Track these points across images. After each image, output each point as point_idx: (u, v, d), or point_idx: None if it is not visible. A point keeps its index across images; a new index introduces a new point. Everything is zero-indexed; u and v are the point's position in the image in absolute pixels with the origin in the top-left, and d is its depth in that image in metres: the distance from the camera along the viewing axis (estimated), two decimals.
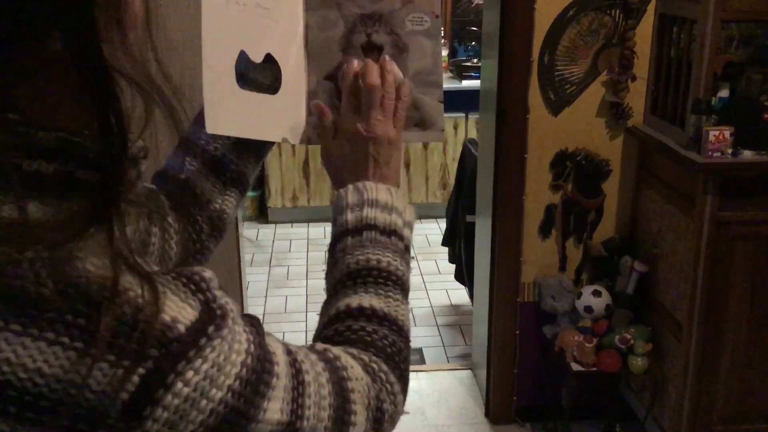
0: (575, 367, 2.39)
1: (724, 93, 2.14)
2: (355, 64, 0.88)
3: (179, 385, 0.49)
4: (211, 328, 0.51)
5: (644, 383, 2.48)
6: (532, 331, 2.60)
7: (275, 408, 0.57)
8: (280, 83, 0.90)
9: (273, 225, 4.61)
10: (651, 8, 2.32)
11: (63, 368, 0.46)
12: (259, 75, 0.89)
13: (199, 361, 0.50)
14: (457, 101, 4.34)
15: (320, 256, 4.21)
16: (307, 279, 3.95)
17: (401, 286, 0.77)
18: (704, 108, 2.10)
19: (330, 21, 0.93)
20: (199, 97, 0.84)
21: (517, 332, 2.62)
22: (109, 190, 0.50)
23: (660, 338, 2.37)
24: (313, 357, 0.65)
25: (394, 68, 0.89)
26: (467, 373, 3.05)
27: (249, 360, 0.54)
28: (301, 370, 0.61)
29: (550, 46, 2.34)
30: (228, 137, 0.89)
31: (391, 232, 0.79)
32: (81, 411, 0.46)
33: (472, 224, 2.91)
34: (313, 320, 3.51)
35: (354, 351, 0.69)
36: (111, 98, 0.50)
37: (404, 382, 0.72)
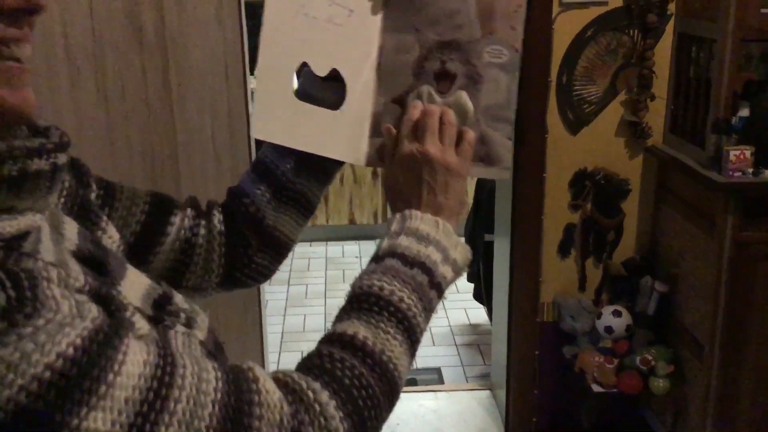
0: (596, 388, 2.37)
1: (744, 112, 2.12)
2: (420, 106, 0.85)
3: None
4: (17, 316, 0.47)
5: (666, 405, 2.45)
6: (551, 352, 2.58)
7: (98, 420, 0.49)
8: (342, 100, 0.89)
9: None
10: (669, 28, 2.32)
11: None
12: (320, 90, 0.88)
13: None
14: None
15: (338, 275, 4.22)
16: (325, 298, 3.95)
17: (399, 320, 0.70)
18: (724, 127, 2.08)
19: (406, 45, 0.91)
20: (225, 117, 0.84)
21: (537, 352, 2.60)
22: None
23: (681, 359, 2.34)
24: (209, 365, 0.58)
25: (463, 97, 0.88)
26: (486, 393, 3.03)
27: (63, 364, 0.48)
28: (174, 373, 0.54)
29: (568, 65, 2.34)
30: (295, 161, 0.88)
31: (416, 263, 0.74)
32: None
33: (491, 243, 2.90)
34: None
35: (294, 376, 0.63)
36: None
37: (355, 418, 0.63)
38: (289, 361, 3.31)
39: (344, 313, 0.71)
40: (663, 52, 2.34)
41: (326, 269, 4.33)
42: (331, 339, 0.68)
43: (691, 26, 2.25)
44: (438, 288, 0.75)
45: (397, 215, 0.79)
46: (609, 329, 2.41)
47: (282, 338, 3.54)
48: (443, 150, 0.81)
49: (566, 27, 2.31)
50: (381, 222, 4.56)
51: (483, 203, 3.11)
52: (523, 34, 0.91)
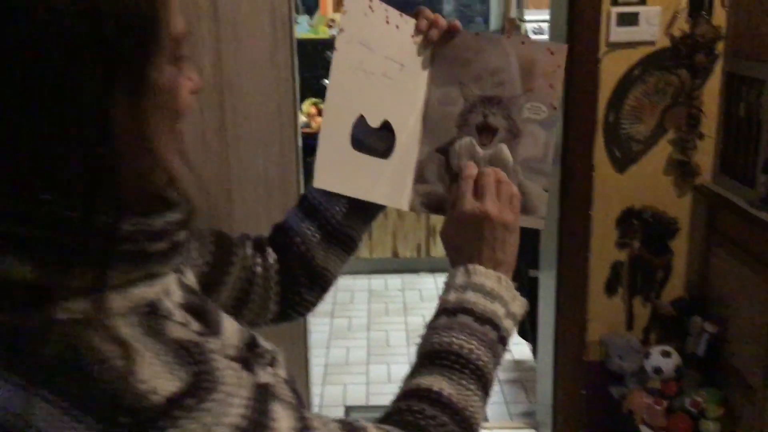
0: (645, 430, 2.33)
1: None
2: (474, 166, 0.90)
3: None
4: (190, 401, 0.52)
5: None
6: (598, 392, 2.55)
7: None
8: (392, 149, 0.94)
9: None
10: (718, 67, 2.32)
11: (50, 425, 0.50)
12: (373, 139, 0.92)
13: (172, 430, 0.51)
14: None
15: (382, 308, 4.23)
16: (368, 331, 3.97)
17: (478, 377, 0.75)
18: None
19: (451, 98, 0.96)
20: (276, 155, 0.88)
21: (584, 392, 2.57)
22: (98, 261, 0.53)
23: (733, 402, 2.30)
24: (333, 426, 0.64)
25: (503, 150, 0.93)
26: None
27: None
28: None
29: (615, 105, 2.35)
30: (345, 205, 0.93)
31: (486, 320, 0.78)
32: None
33: (535, 279, 2.90)
34: (375, 372, 3.53)
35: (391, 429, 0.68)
36: (111, 180, 0.53)
37: None
38: (332, 394, 3.33)
39: (425, 368, 0.75)
40: (711, 91, 2.34)
41: (369, 302, 4.35)
42: (418, 394, 0.73)
43: (740, 66, 2.25)
44: (503, 341, 0.80)
45: (461, 268, 0.83)
46: (658, 370, 2.38)
47: (325, 371, 3.55)
48: (501, 209, 0.85)
49: (613, 66, 2.32)
50: (424, 255, 4.57)
51: (528, 239, 3.10)
52: (563, 90, 0.98)
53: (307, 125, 4.48)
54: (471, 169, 0.88)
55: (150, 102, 0.55)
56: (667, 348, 2.39)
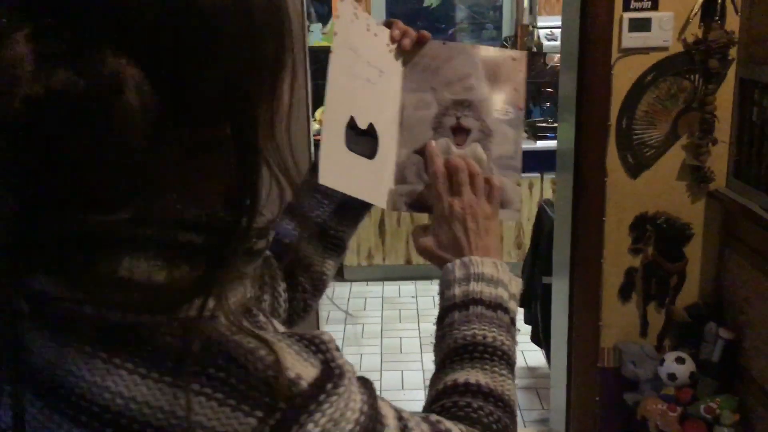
0: None
1: None
2: (433, 144, 0.95)
3: None
4: (329, 385, 0.55)
5: None
6: (612, 398, 2.54)
7: None
8: (375, 151, 0.98)
9: (349, 283, 4.68)
10: (731, 73, 2.31)
11: (205, 416, 0.51)
12: (360, 141, 0.96)
13: (318, 414, 0.54)
14: (533, 161, 4.35)
15: (395, 314, 4.23)
16: (381, 338, 3.97)
17: (507, 361, 0.80)
18: None
19: (424, 102, 1.01)
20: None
21: (598, 398, 2.56)
22: (223, 260, 0.55)
23: (748, 408, 2.28)
24: (425, 426, 0.67)
25: (477, 149, 0.98)
26: None
27: (362, 419, 0.57)
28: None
29: (628, 110, 2.35)
30: (329, 205, 0.97)
31: (496, 306, 0.82)
32: None
33: (549, 285, 2.89)
34: (388, 379, 3.53)
35: (462, 427, 0.71)
36: (255, 182, 0.56)
37: None
38: None
39: (456, 364, 0.78)
40: (725, 96, 2.33)
41: (383, 309, 4.35)
42: (459, 390, 0.76)
43: (754, 71, 2.24)
44: (513, 322, 0.85)
45: (457, 262, 0.86)
46: (672, 376, 2.36)
47: None
48: (479, 201, 0.90)
49: (626, 72, 2.32)
50: None
51: (541, 246, 3.10)
52: (526, 95, 1.04)
53: (320, 132, 4.50)
54: (439, 166, 0.92)
55: (279, 111, 0.60)
56: (682, 354, 2.38)
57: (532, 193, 4.49)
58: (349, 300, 4.48)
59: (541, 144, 4.41)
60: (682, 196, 2.42)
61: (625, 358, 2.48)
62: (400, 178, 1.00)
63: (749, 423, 2.28)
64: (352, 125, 0.95)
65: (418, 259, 4.58)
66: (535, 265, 3.19)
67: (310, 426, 0.53)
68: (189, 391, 0.51)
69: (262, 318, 0.60)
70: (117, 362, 0.52)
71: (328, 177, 0.90)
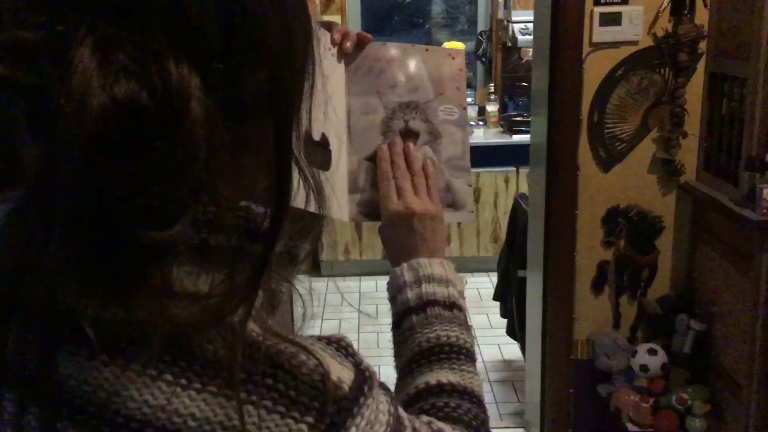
0: (631, 427, 2.34)
1: None
2: (384, 149, 0.95)
3: None
4: (366, 388, 0.55)
5: None
6: (586, 390, 2.56)
7: None
8: (330, 162, 0.96)
9: (326, 278, 4.67)
10: (701, 67, 2.33)
11: (255, 425, 0.50)
12: (315, 153, 0.94)
13: (359, 418, 0.54)
14: (508, 156, 4.37)
15: (372, 309, 4.23)
16: (359, 333, 3.97)
17: (470, 358, 0.81)
18: (758, 165, 2.08)
19: (371, 106, 0.99)
20: None
21: (571, 391, 2.58)
22: (266, 263, 0.53)
23: (719, 399, 2.31)
24: (425, 428, 0.67)
25: (428, 152, 0.98)
26: (521, 431, 3.01)
27: (391, 420, 0.58)
28: None
29: (599, 104, 2.36)
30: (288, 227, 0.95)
31: (451, 305, 0.83)
32: None
33: (524, 279, 2.90)
34: None
35: (450, 427, 0.72)
36: (289, 180, 0.54)
37: None
38: None
39: (425, 366, 0.79)
40: (694, 90, 2.35)
41: (360, 304, 4.35)
42: (434, 391, 0.76)
43: (723, 65, 2.26)
44: (467, 320, 0.86)
45: (405, 266, 0.87)
46: (644, 368, 2.39)
47: None
48: (422, 201, 0.90)
49: (597, 66, 2.33)
50: None
51: (516, 240, 3.12)
52: (466, 94, 1.03)
53: None
54: (385, 170, 0.93)
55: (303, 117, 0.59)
56: (654, 346, 2.41)
57: (508, 188, 4.51)
58: (326, 295, 4.48)
59: (517, 138, 4.42)
60: (653, 189, 2.44)
61: (598, 350, 2.50)
62: (354, 187, 0.97)
63: (720, 413, 2.30)
64: (308, 138, 0.92)
65: None
66: (511, 259, 3.20)
67: (353, 430, 0.53)
68: (240, 399, 0.49)
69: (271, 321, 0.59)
70: (153, 374, 0.49)
71: (295, 197, 0.89)
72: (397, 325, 0.84)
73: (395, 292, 0.86)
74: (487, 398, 3.30)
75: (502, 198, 4.53)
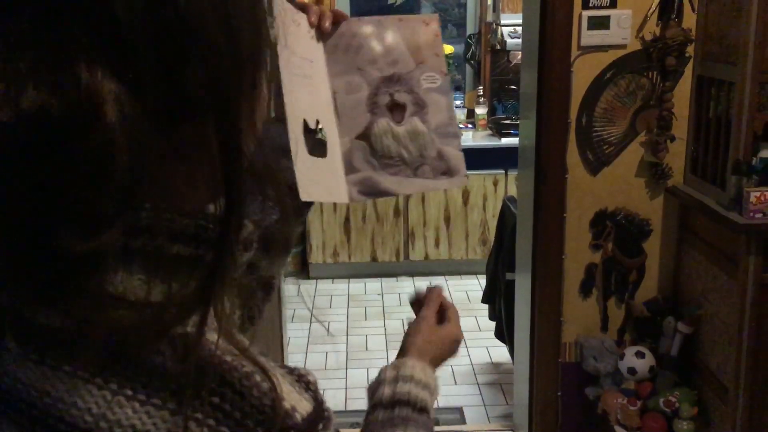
0: (619, 430, 2.35)
1: (765, 153, 2.13)
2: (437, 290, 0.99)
3: None
4: (320, 425, 0.53)
5: None
6: (574, 393, 2.57)
7: None
8: (326, 147, 0.95)
9: (314, 280, 4.66)
10: (688, 70, 2.35)
11: None
12: (313, 142, 0.94)
13: None
14: (497, 158, 4.38)
15: (360, 312, 4.23)
16: (347, 335, 3.96)
17: None
18: (745, 169, 2.09)
19: (355, 85, 0.98)
20: None
21: (559, 393, 2.59)
22: (222, 272, 0.51)
23: (706, 401, 2.32)
24: None
25: (417, 123, 0.98)
26: None
27: None
28: None
29: (587, 107, 2.37)
30: (273, 207, 0.94)
31: (422, 409, 0.84)
32: None
33: (512, 282, 2.91)
34: (353, 377, 3.52)
35: None
36: (241, 184, 0.52)
37: None
38: None
39: None
40: (682, 93, 2.36)
41: (348, 306, 4.34)
42: None
43: (710, 69, 2.28)
44: (432, 425, 0.87)
45: (391, 364, 0.89)
46: (632, 370, 2.39)
47: None
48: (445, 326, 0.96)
49: (585, 69, 2.34)
50: (403, 259, 4.58)
51: (505, 242, 3.12)
52: (446, 60, 1.03)
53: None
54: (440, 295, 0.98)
55: (258, 108, 0.56)
56: (641, 349, 2.41)
57: (496, 190, 4.51)
58: (314, 298, 4.46)
59: (506, 141, 4.43)
60: (641, 192, 2.45)
61: (586, 353, 2.50)
62: (349, 168, 0.97)
63: (707, 416, 2.31)
64: (305, 128, 0.91)
65: (383, 257, 4.59)
66: (499, 262, 3.20)
67: None
68: (186, 415, 0.48)
69: (239, 335, 0.56)
70: (99, 382, 0.48)
71: (308, 191, 0.86)
72: (367, 415, 0.85)
73: (375, 386, 0.88)
74: (476, 401, 3.31)
75: (490, 200, 4.54)
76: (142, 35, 0.46)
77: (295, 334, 3.95)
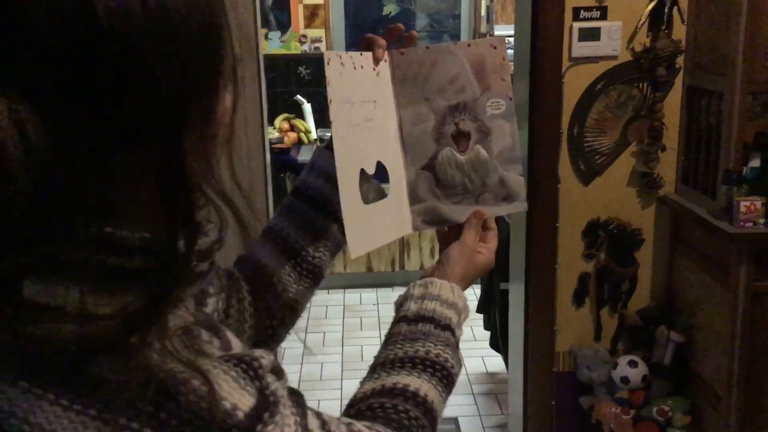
0: None
1: (755, 162, 2.15)
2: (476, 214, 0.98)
3: None
4: (266, 415, 0.54)
5: None
6: (568, 402, 2.57)
7: None
8: (384, 191, 0.98)
9: None
10: (678, 81, 2.37)
11: None
12: (372, 187, 0.96)
13: None
14: None
15: (356, 322, 4.23)
16: (342, 346, 3.96)
17: (446, 377, 0.80)
18: (735, 178, 2.11)
19: (422, 115, 1.00)
20: (244, 169, 0.85)
21: (553, 403, 2.59)
22: (172, 284, 0.53)
23: (699, 410, 2.33)
24: (344, 428, 0.67)
25: (481, 152, 1.00)
26: None
27: None
28: None
29: (579, 118, 2.39)
30: (306, 232, 0.95)
31: (445, 326, 0.84)
32: None
33: (507, 291, 2.91)
34: (349, 388, 3.50)
35: (380, 427, 0.71)
36: (186, 206, 0.54)
37: None
38: None
39: (404, 370, 0.79)
40: (673, 103, 2.38)
41: (344, 317, 4.34)
42: (404, 394, 0.76)
43: (700, 79, 2.29)
44: (458, 346, 0.86)
45: (419, 282, 0.89)
46: (625, 379, 2.40)
47: (299, 386, 3.53)
48: (477, 243, 0.96)
49: (576, 80, 2.36)
50: (398, 269, 4.58)
51: (499, 252, 3.12)
52: (512, 83, 1.03)
53: (280, 140, 4.48)
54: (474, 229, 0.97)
55: (213, 129, 0.57)
56: (634, 358, 2.42)
57: None
58: (310, 308, 4.46)
59: None
60: (633, 202, 2.46)
61: (579, 362, 2.51)
62: (414, 198, 1.00)
63: (700, 425, 2.32)
64: (363, 176, 0.93)
65: (379, 267, 4.59)
66: (494, 272, 3.21)
67: None
68: (115, 425, 0.49)
69: (204, 336, 0.57)
70: (38, 392, 0.49)
71: (359, 246, 0.90)
72: (391, 327, 0.86)
73: (402, 300, 0.88)
74: (471, 411, 3.31)
75: None
76: (71, 66, 0.48)
77: (290, 344, 3.94)
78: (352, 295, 4.60)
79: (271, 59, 4.50)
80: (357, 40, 5.14)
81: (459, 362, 0.83)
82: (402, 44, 1.00)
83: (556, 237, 2.47)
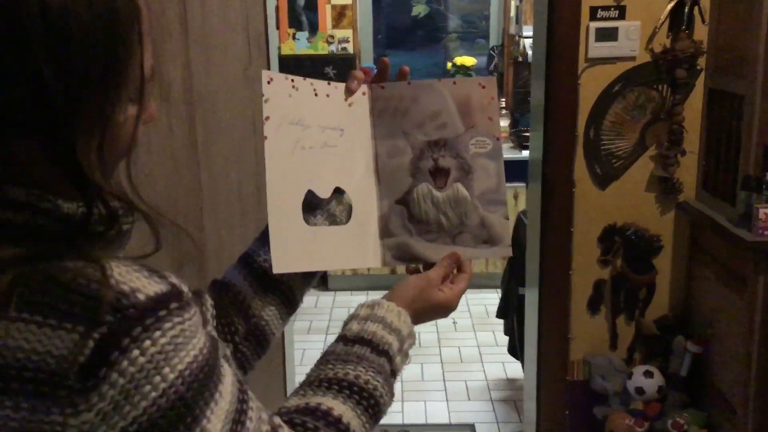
0: None
1: None
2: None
3: (135, 352, 0.52)
4: (173, 305, 0.55)
5: None
6: (582, 412, 2.51)
7: (216, 425, 0.58)
8: (350, 213, 0.96)
9: (333, 292, 4.65)
10: (699, 83, 2.29)
11: (26, 339, 0.52)
12: (329, 209, 0.95)
13: (158, 333, 0.53)
14: (518, 171, 4.31)
15: None
16: None
17: (373, 408, 0.78)
18: (755, 184, 2.03)
19: (398, 149, 0.99)
20: (251, 171, 0.85)
21: (567, 412, 2.53)
22: (74, 237, 0.57)
23: (715, 423, 2.24)
24: (265, 416, 0.66)
25: (460, 189, 0.97)
26: None
27: (201, 359, 0.57)
28: (246, 410, 0.63)
29: (595, 120, 2.33)
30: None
31: (383, 352, 0.81)
32: (42, 375, 0.52)
33: (524, 296, 2.86)
34: None
35: None
36: (77, 172, 0.57)
37: None
38: None
39: (329, 392, 0.77)
40: (693, 106, 2.30)
41: None
42: (316, 413, 0.74)
43: (721, 82, 2.22)
44: (394, 375, 0.83)
45: (368, 302, 0.87)
46: (640, 390, 2.33)
47: None
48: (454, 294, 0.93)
49: (593, 82, 2.30)
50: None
51: (517, 258, 3.07)
52: (500, 124, 1.01)
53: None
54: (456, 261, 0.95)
55: (108, 137, 0.60)
56: (650, 368, 2.35)
57: (517, 203, 4.46)
58: (332, 309, 4.46)
59: (527, 153, 4.37)
60: (651, 207, 2.39)
61: (594, 372, 2.44)
62: (386, 231, 0.97)
63: None
64: (310, 199, 0.93)
65: (402, 269, 4.55)
66: (512, 276, 3.16)
67: (147, 344, 0.53)
68: (4, 318, 0.51)
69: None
70: None
71: (283, 264, 0.88)
72: (332, 345, 0.84)
73: (348, 319, 0.87)
74: (488, 417, 3.26)
75: (512, 213, 4.44)
76: None
77: (310, 346, 3.94)
78: (376, 297, 4.57)
79: (298, 59, 4.51)
80: (390, 43, 5.12)
81: (390, 392, 0.80)
82: (397, 78, 0.99)
83: (570, 242, 2.41)
